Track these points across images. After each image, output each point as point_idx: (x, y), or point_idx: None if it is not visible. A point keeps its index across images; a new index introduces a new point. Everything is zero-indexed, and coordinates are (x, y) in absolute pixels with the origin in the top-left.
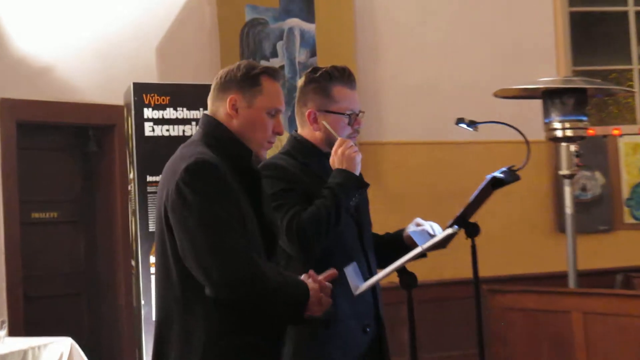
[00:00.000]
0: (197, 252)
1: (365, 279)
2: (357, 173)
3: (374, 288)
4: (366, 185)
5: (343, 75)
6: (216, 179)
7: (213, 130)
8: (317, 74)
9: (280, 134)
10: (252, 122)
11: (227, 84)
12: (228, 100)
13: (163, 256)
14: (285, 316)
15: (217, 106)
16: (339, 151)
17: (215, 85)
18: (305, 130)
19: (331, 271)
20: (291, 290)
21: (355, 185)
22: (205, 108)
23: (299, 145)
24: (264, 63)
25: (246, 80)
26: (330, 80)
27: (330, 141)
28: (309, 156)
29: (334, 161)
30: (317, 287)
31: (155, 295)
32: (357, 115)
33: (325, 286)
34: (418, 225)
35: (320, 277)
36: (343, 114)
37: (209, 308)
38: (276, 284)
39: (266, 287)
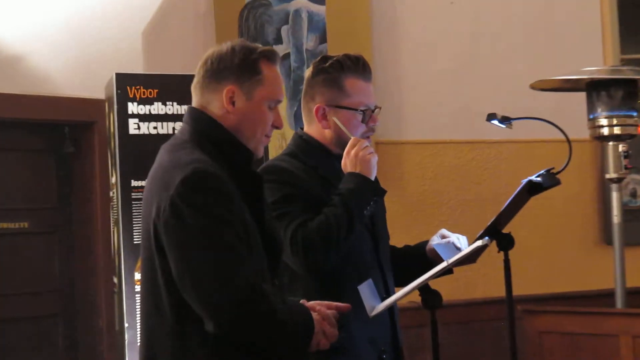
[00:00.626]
0: (198, 281)
1: (382, 298)
2: (373, 178)
3: (391, 309)
4: (383, 192)
5: (357, 65)
6: (218, 192)
7: (206, 129)
8: (327, 64)
9: (279, 127)
10: (251, 117)
11: (222, 73)
12: (225, 92)
13: (152, 283)
14: (289, 352)
15: (208, 99)
16: (352, 152)
17: (205, 72)
18: (312, 128)
19: (344, 305)
20: (298, 327)
21: (370, 191)
22: None
23: (305, 145)
24: None
25: (245, 68)
26: (341, 71)
27: (341, 141)
28: (316, 157)
29: (346, 164)
30: (319, 317)
31: (141, 328)
32: (373, 111)
33: (326, 315)
34: (443, 237)
35: (325, 306)
36: (356, 109)
37: (208, 345)
38: (283, 318)
39: (274, 323)
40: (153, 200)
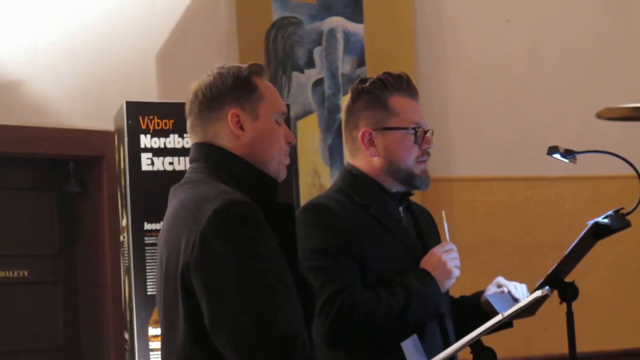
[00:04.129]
0: (233, 326)
1: (437, 352)
2: (444, 290)
3: None
4: (442, 315)
5: (400, 83)
6: (256, 225)
7: (222, 162)
8: (367, 84)
9: (292, 142)
10: (264, 138)
11: (218, 99)
12: (229, 117)
13: (175, 331)
14: None
15: (214, 131)
16: (437, 254)
17: (200, 105)
18: (359, 159)
19: None
20: None
21: (434, 303)
22: None
23: (354, 181)
24: (296, 75)
25: (240, 87)
26: (385, 90)
27: (393, 167)
28: (367, 194)
29: (426, 261)
30: None
31: None
32: (426, 131)
33: None
34: (499, 286)
35: None
36: (407, 128)
37: None
38: None
39: None
40: (179, 241)
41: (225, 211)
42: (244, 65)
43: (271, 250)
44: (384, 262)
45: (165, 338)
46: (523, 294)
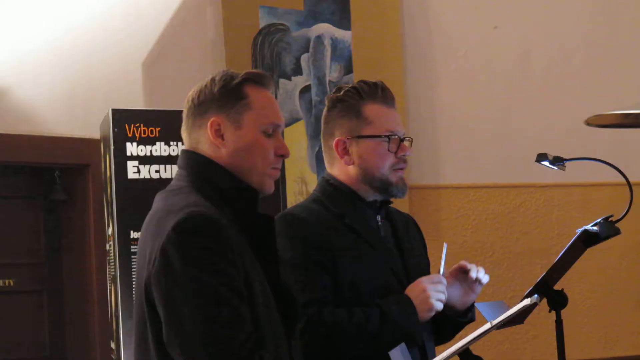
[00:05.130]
0: (185, 342)
1: None
2: (423, 320)
3: None
4: (415, 344)
5: (375, 91)
6: (214, 239)
7: (202, 171)
8: (342, 93)
9: (285, 156)
10: (245, 148)
11: (202, 106)
12: (209, 124)
13: (143, 343)
14: None
15: (196, 138)
16: (423, 285)
17: (188, 111)
18: (335, 169)
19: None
20: None
21: (409, 329)
22: None
23: (331, 190)
24: (284, 82)
25: (226, 95)
26: (359, 98)
27: (368, 175)
28: (344, 204)
29: (412, 288)
30: None
31: None
32: (402, 139)
33: None
34: (463, 268)
35: None
36: (380, 136)
37: None
38: None
39: None
40: (144, 250)
41: (185, 224)
42: (240, 73)
43: (230, 264)
44: (357, 273)
45: (137, 348)
46: (484, 278)
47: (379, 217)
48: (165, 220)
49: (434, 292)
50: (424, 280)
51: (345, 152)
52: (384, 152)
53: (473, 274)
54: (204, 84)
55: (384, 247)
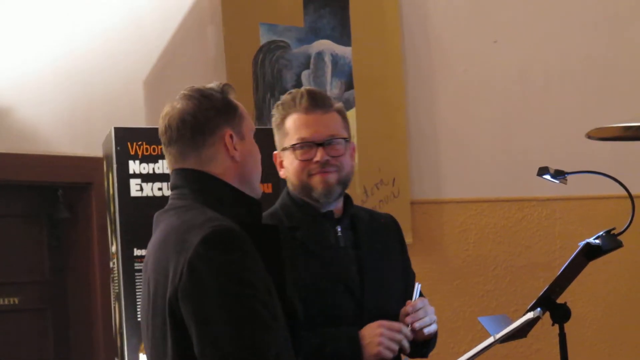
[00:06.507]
0: (221, 354)
1: None
2: None
3: None
4: None
5: (294, 100)
6: (243, 252)
7: (209, 187)
8: (273, 109)
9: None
10: (251, 157)
11: (211, 122)
12: (226, 138)
13: (163, 359)
14: None
15: (208, 155)
16: (379, 330)
17: (186, 131)
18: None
19: None
20: None
21: None
22: None
23: (290, 203)
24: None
25: (227, 108)
26: (283, 111)
27: (302, 184)
28: (298, 217)
29: (367, 328)
30: None
31: None
32: (319, 144)
33: None
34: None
35: None
36: (289, 147)
37: None
38: None
39: None
40: (167, 268)
41: (213, 238)
42: (215, 85)
43: (259, 277)
44: (304, 288)
45: None
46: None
47: (339, 228)
48: (188, 235)
49: (386, 340)
50: (383, 324)
51: (280, 165)
52: (293, 160)
53: (408, 319)
54: (197, 103)
55: (337, 262)
